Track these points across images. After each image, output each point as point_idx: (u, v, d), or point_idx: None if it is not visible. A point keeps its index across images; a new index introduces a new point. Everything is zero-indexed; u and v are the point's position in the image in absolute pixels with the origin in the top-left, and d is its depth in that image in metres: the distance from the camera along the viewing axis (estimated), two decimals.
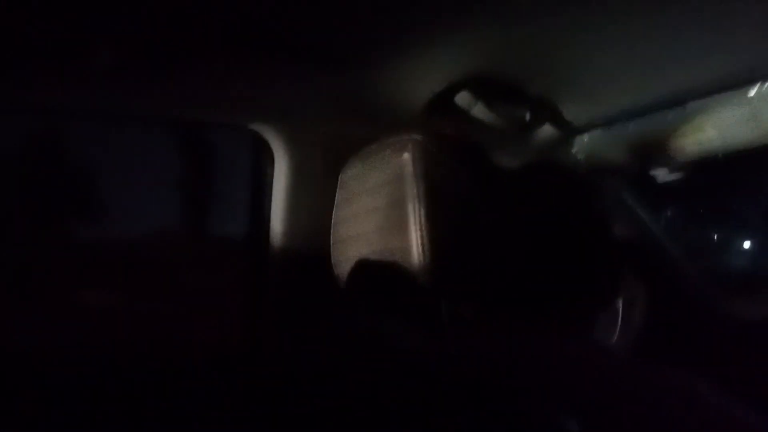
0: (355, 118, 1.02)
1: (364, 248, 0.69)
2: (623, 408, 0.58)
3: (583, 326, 0.71)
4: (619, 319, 1.15)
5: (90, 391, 0.92)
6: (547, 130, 1.15)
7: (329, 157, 0.96)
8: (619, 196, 1.39)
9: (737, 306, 1.49)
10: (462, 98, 1.01)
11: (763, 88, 0.91)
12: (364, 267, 0.69)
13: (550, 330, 0.69)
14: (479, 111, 1.03)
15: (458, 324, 0.66)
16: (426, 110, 1.03)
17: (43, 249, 1.04)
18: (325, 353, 0.75)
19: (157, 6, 0.74)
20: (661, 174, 1.24)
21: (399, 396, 0.64)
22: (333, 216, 0.75)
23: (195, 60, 0.88)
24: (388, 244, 0.66)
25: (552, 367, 0.63)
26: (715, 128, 1.04)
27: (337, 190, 0.76)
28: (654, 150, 1.16)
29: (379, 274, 0.69)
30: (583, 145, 1.18)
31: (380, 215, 0.67)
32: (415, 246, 0.63)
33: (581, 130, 1.16)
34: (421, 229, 0.63)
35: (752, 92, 0.92)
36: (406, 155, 0.66)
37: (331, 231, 0.75)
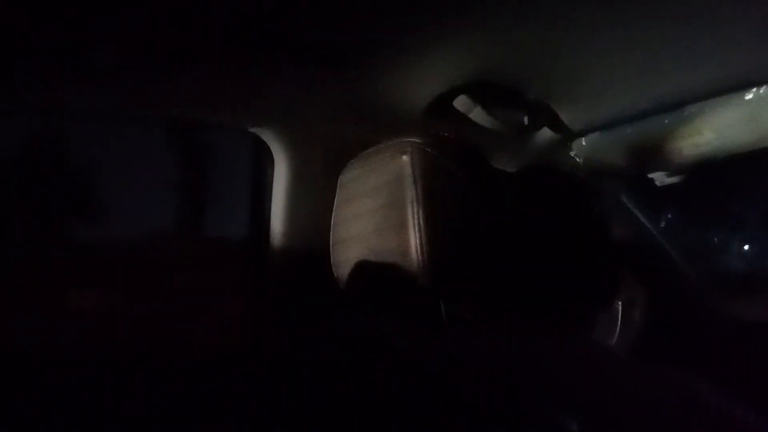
0: (355, 120, 1.02)
1: (363, 249, 0.69)
2: (623, 408, 0.58)
3: (582, 327, 0.72)
4: (619, 320, 1.15)
5: (90, 392, 0.92)
6: (545, 134, 1.15)
7: (329, 159, 0.97)
8: (617, 199, 1.39)
9: (736, 307, 1.50)
10: (461, 101, 1.01)
11: (761, 91, 0.91)
12: (363, 268, 0.70)
13: (550, 331, 0.69)
14: (478, 114, 1.03)
15: (458, 324, 0.66)
16: (425, 113, 1.03)
17: (43, 249, 1.04)
18: (325, 354, 0.75)
19: (158, 6, 0.75)
20: (660, 177, 1.25)
21: (399, 396, 0.64)
22: (332, 217, 0.75)
23: (196, 61, 0.88)
24: (388, 245, 0.66)
25: (552, 367, 0.63)
26: (713, 131, 1.04)
27: (337, 191, 0.76)
28: (652, 153, 1.17)
29: (378, 275, 0.69)
30: (581, 148, 1.19)
31: (379, 217, 0.67)
32: (413, 247, 0.64)
33: (580, 134, 1.16)
34: (419, 231, 0.64)
35: (749, 95, 0.92)
36: (405, 158, 0.66)
37: (331, 232, 0.75)
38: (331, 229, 0.75)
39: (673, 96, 0.99)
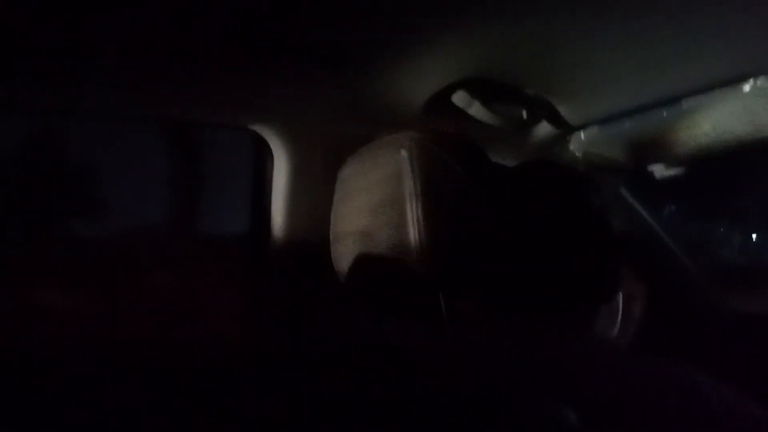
0: (354, 117, 1.02)
1: (363, 245, 0.69)
2: (623, 401, 0.59)
3: (583, 321, 0.72)
4: (620, 314, 1.15)
5: (88, 392, 0.92)
6: (544, 128, 1.16)
7: (328, 155, 0.97)
8: (616, 193, 1.39)
9: (736, 300, 1.50)
10: (460, 97, 1.01)
11: (758, 84, 0.91)
12: (363, 264, 0.70)
13: (551, 325, 0.70)
14: (477, 109, 1.03)
15: (458, 319, 0.66)
16: (424, 109, 1.03)
17: (44, 247, 1.05)
18: (325, 350, 0.75)
19: (158, 7, 0.75)
20: (659, 170, 1.25)
21: (399, 392, 0.64)
22: (332, 213, 0.75)
23: (196, 60, 0.89)
24: (387, 240, 0.66)
25: (552, 360, 0.63)
26: (711, 124, 1.04)
27: (336, 187, 0.76)
28: (651, 146, 1.17)
29: (378, 271, 0.69)
30: (580, 142, 1.19)
31: (379, 212, 0.68)
32: (413, 242, 0.64)
33: (578, 128, 1.16)
34: (418, 225, 0.64)
35: (747, 87, 0.92)
36: (404, 152, 0.66)
37: (330, 228, 0.76)
38: (331, 225, 0.75)
39: (671, 89, 0.99)
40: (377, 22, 0.81)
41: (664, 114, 1.04)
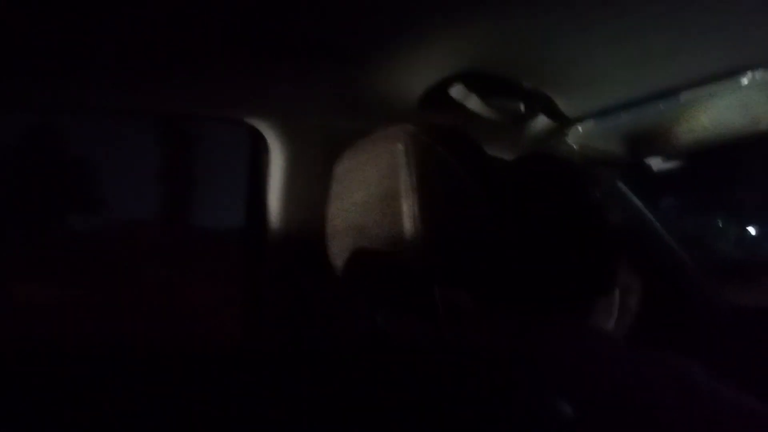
0: (350, 111, 1.02)
1: (359, 240, 0.69)
2: (619, 394, 0.59)
3: (581, 314, 0.72)
4: (616, 307, 1.15)
5: (86, 388, 0.92)
6: (541, 121, 1.15)
7: (325, 149, 0.97)
8: (613, 186, 1.39)
9: (732, 293, 1.50)
10: (456, 90, 1.01)
11: (756, 76, 0.91)
12: (359, 259, 0.70)
13: (548, 318, 0.69)
14: (474, 103, 1.03)
15: (454, 314, 0.66)
16: (421, 103, 1.03)
17: (34, 243, 1.04)
18: (323, 345, 0.75)
19: (156, 1, 0.74)
20: (656, 163, 1.25)
21: (397, 385, 0.64)
22: (329, 208, 0.75)
23: (192, 55, 0.88)
24: (383, 235, 0.66)
25: (549, 354, 0.63)
26: (709, 117, 1.04)
27: (332, 182, 0.76)
28: (648, 139, 1.17)
29: (374, 266, 0.69)
30: (577, 135, 1.19)
31: (374, 206, 0.67)
32: (409, 236, 0.64)
33: (575, 121, 1.16)
34: (414, 220, 0.64)
35: (745, 80, 0.92)
36: (400, 146, 0.66)
37: (327, 223, 0.75)
38: (327, 220, 0.75)
39: (668, 82, 0.99)
40: (373, 15, 0.81)
41: (662, 107, 1.04)
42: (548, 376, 0.60)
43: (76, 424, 0.88)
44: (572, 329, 0.69)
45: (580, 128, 1.17)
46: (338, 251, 0.73)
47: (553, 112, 1.12)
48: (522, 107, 1.10)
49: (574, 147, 1.21)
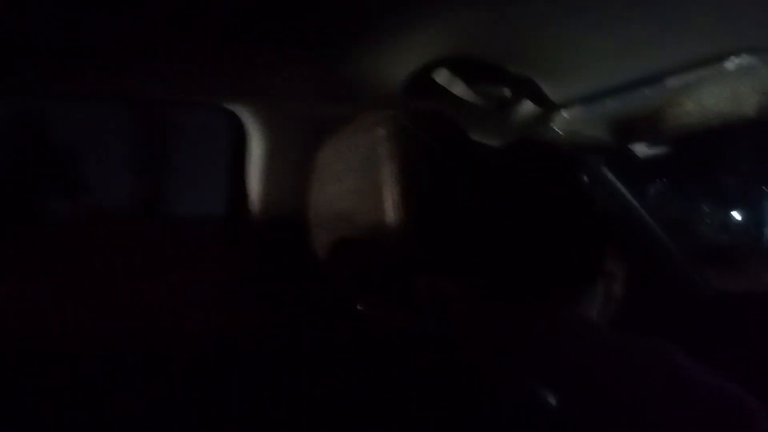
0: (333, 96, 1.01)
1: (341, 228, 0.69)
2: (602, 381, 0.59)
3: (567, 301, 0.72)
4: (602, 293, 1.16)
5: (74, 381, 0.91)
6: (527, 107, 1.15)
7: (306, 136, 0.95)
8: (599, 172, 1.40)
9: (717, 278, 1.52)
10: (441, 76, 1.00)
11: (740, 61, 0.91)
12: (342, 247, 0.69)
13: (532, 305, 0.69)
14: (459, 88, 1.02)
15: (437, 302, 0.66)
16: (405, 88, 1.02)
17: (21, 229, 1.03)
18: (306, 335, 0.74)
19: None
20: (642, 149, 1.25)
21: (380, 375, 0.64)
22: (311, 195, 0.74)
23: (171, 39, 0.87)
24: (365, 222, 0.65)
25: (533, 341, 0.63)
26: (694, 103, 1.04)
27: (314, 168, 0.75)
28: (634, 125, 1.17)
29: (357, 254, 0.68)
30: (563, 121, 1.18)
31: (356, 194, 0.67)
32: (391, 223, 0.63)
33: (561, 107, 1.16)
34: (396, 207, 0.63)
35: (730, 66, 0.92)
36: (381, 131, 0.65)
37: (309, 211, 0.74)
38: (310, 207, 0.74)
39: (653, 68, 0.99)
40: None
41: (647, 93, 1.04)
42: (533, 363, 0.60)
43: (55, 417, 0.88)
44: (557, 316, 0.69)
45: (565, 114, 1.17)
46: (320, 239, 0.72)
47: (539, 97, 1.11)
48: (508, 93, 1.09)
49: (560, 133, 1.20)
